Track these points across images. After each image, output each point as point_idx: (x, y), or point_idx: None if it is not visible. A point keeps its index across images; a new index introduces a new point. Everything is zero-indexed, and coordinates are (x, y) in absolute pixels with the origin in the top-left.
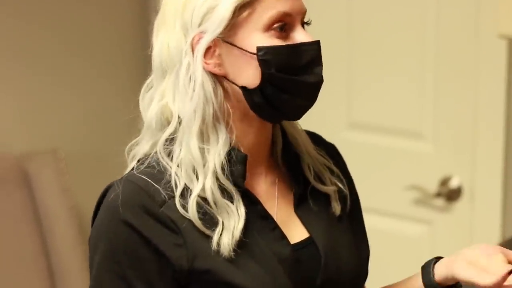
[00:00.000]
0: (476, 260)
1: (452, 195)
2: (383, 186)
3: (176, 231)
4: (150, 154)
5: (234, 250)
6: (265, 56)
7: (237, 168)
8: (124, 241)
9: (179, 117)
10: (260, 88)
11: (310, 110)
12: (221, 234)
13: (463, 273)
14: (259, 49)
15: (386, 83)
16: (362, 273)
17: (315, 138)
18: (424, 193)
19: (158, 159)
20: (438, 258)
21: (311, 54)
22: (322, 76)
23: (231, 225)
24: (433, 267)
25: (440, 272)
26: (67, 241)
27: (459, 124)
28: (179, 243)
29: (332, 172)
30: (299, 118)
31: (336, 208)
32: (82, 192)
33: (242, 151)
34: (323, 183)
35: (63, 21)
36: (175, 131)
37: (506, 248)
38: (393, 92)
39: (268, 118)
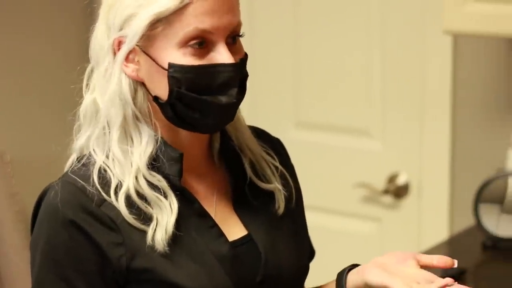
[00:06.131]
0: (388, 265)
1: (399, 192)
2: (331, 185)
3: (115, 229)
4: (86, 152)
5: (170, 246)
6: (175, 73)
7: (172, 167)
8: (66, 241)
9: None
10: (169, 103)
11: (256, 109)
12: (155, 230)
13: (375, 278)
14: (170, 65)
15: (332, 81)
16: (302, 269)
17: (260, 134)
18: (372, 191)
19: (92, 156)
20: (353, 266)
21: (225, 75)
22: (235, 98)
23: (164, 219)
24: (346, 275)
25: (352, 279)
26: (13, 245)
27: (406, 121)
28: (119, 242)
29: (276, 169)
30: (213, 133)
31: (280, 206)
32: (29, 196)
33: (177, 148)
34: (266, 180)
35: (14, 25)
36: (104, 127)
37: (454, 244)
38: (340, 90)
39: (183, 128)
